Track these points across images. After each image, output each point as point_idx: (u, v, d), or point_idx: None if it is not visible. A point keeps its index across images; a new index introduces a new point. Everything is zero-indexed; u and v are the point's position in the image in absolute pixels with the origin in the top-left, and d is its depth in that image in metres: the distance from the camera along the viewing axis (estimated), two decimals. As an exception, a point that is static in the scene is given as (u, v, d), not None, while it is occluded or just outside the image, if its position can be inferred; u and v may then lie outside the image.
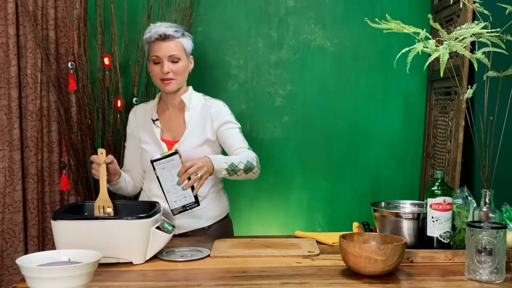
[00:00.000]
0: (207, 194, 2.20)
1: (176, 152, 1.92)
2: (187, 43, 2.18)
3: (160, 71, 2.13)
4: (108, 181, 2.05)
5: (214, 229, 2.23)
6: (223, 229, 2.26)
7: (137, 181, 2.27)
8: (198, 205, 1.95)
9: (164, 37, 2.12)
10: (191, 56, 2.23)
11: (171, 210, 1.94)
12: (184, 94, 2.20)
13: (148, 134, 2.22)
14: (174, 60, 2.13)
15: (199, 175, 1.88)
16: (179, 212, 1.95)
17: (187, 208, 1.94)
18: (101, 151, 1.99)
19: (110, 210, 1.94)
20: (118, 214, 1.96)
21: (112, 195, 2.36)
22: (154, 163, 1.91)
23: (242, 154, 2.08)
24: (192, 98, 2.22)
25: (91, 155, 2.05)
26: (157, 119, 2.22)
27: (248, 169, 2.04)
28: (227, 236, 2.19)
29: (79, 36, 2.63)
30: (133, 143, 2.28)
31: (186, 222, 2.17)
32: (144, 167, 2.24)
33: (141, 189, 2.28)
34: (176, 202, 1.93)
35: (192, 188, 1.90)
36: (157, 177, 1.91)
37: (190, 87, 2.26)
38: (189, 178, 1.87)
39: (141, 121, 2.26)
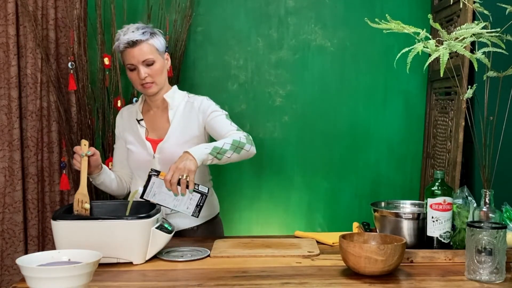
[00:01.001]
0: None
1: (150, 175, 1.93)
2: (158, 42, 2.14)
3: (137, 77, 2.12)
4: (89, 173, 2.06)
5: (203, 229, 2.22)
6: (212, 229, 2.26)
7: (125, 181, 2.27)
8: (207, 193, 1.94)
9: (133, 44, 2.08)
10: (166, 53, 2.19)
11: (192, 215, 1.96)
12: (167, 93, 2.19)
13: (133, 134, 2.22)
14: (148, 63, 2.10)
15: (184, 176, 1.87)
16: (199, 211, 1.95)
17: (201, 204, 1.94)
18: (85, 142, 1.98)
19: (87, 206, 1.92)
20: (118, 214, 1.95)
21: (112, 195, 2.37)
22: (145, 198, 1.93)
23: (229, 136, 2.06)
24: (175, 97, 2.20)
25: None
26: (141, 119, 2.22)
27: (237, 147, 2.00)
28: (217, 237, 2.17)
29: (79, 36, 2.63)
30: (121, 144, 2.28)
31: (174, 222, 2.13)
32: (131, 168, 2.24)
33: (129, 190, 2.27)
34: (189, 208, 1.95)
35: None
36: (159, 205, 1.93)
37: (174, 86, 2.24)
38: (180, 183, 1.87)
39: (127, 123, 2.26)
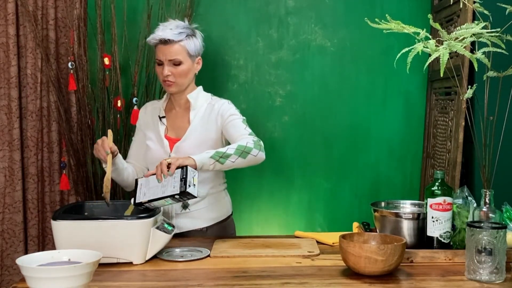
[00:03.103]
0: (206, 195, 2.19)
1: (136, 179, 1.94)
2: (192, 45, 2.15)
3: (161, 72, 2.14)
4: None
5: (213, 231, 2.21)
6: (223, 231, 2.24)
7: (137, 172, 2.26)
8: (185, 188, 1.84)
9: (165, 42, 2.11)
10: (199, 57, 2.20)
11: (181, 191, 1.84)
12: (191, 93, 2.20)
13: (153, 131, 2.23)
14: (175, 63, 2.12)
15: (167, 161, 1.88)
16: (185, 184, 1.84)
17: (184, 176, 1.85)
18: (110, 133, 2.00)
19: (107, 195, 1.94)
20: (118, 214, 1.95)
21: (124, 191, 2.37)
22: (138, 202, 1.88)
23: (239, 141, 2.04)
24: (199, 98, 2.21)
25: (100, 138, 2.03)
26: (164, 117, 2.23)
27: (242, 152, 1.98)
28: (218, 237, 2.14)
29: (79, 36, 2.63)
30: (140, 137, 2.28)
31: (183, 222, 2.16)
32: (147, 164, 2.24)
33: None
34: (175, 187, 1.85)
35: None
36: (151, 201, 1.88)
37: (199, 87, 2.25)
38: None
39: (150, 118, 2.27)
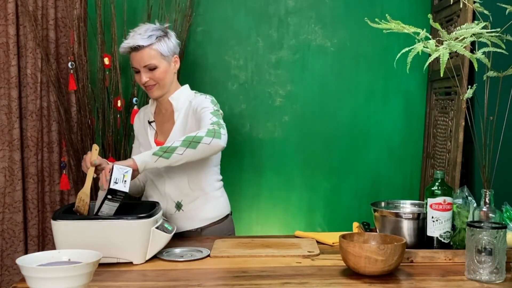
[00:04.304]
0: (198, 196, 2.17)
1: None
2: (164, 45, 2.10)
3: (140, 80, 2.13)
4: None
5: (209, 231, 2.18)
6: (219, 231, 2.20)
7: (140, 179, 2.25)
8: (109, 186, 1.82)
9: (135, 48, 2.08)
10: (175, 56, 2.16)
11: (107, 197, 1.83)
12: (172, 95, 2.17)
13: (143, 136, 2.23)
14: (150, 68, 2.09)
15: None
16: (116, 201, 1.83)
17: (112, 173, 1.83)
18: (96, 147, 1.98)
19: (86, 204, 1.91)
20: (118, 214, 1.95)
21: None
22: (100, 214, 1.85)
23: None
24: (181, 98, 2.17)
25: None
26: (153, 121, 2.22)
27: (190, 142, 1.92)
28: (218, 237, 2.12)
29: (79, 36, 2.63)
30: (137, 144, 2.29)
31: (176, 223, 2.11)
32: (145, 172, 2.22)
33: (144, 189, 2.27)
34: (117, 183, 1.85)
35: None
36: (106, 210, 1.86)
37: (183, 87, 2.21)
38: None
39: (142, 123, 2.27)
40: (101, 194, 1.91)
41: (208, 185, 2.20)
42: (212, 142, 1.94)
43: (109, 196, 1.83)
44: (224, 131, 1.98)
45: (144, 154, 1.94)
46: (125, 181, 1.85)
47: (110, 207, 1.85)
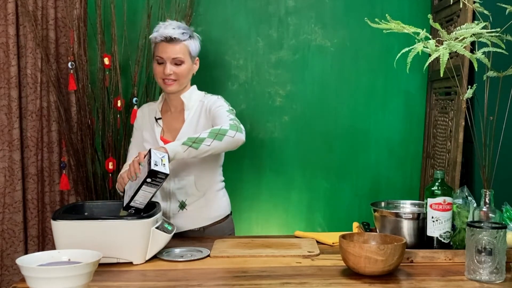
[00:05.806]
0: (203, 195, 2.19)
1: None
2: (193, 45, 2.17)
3: (162, 71, 2.14)
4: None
5: (211, 231, 2.20)
6: (221, 231, 2.22)
7: None
8: (150, 168, 1.80)
9: (170, 40, 2.12)
10: (197, 58, 2.22)
11: (152, 170, 1.79)
12: (184, 93, 2.20)
13: (149, 133, 2.23)
14: (177, 62, 2.13)
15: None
16: (154, 165, 1.79)
17: (150, 159, 1.81)
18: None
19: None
20: (118, 214, 1.95)
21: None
22: (127, 206, 1.86)
23: None
24: (192, 97, 2.21)
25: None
26: (160, 118, 2.23)
27: (217, 134, 1.95)
28: (218, 237, 2.14)
29: (79, 36, 2.63)
30: (138, 136, 2.28)
31: (180, 223, 2.15)
32: None
33: None
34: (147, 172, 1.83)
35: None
36: (135, 198, 1.86)
37: (193, 86, 2.25)
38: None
39: (147, 119, 2.27)
40: (129, 191, 1.90)
41: (212, 185, 2.22)
42: (236, 136, 1.99)
43: (149, 180, 1.80)
44: (243, 127, 2.05)
45: (173, 144, 1.93)
46: (164, 164, 1.82)
47: (146, 193, 1.83)
